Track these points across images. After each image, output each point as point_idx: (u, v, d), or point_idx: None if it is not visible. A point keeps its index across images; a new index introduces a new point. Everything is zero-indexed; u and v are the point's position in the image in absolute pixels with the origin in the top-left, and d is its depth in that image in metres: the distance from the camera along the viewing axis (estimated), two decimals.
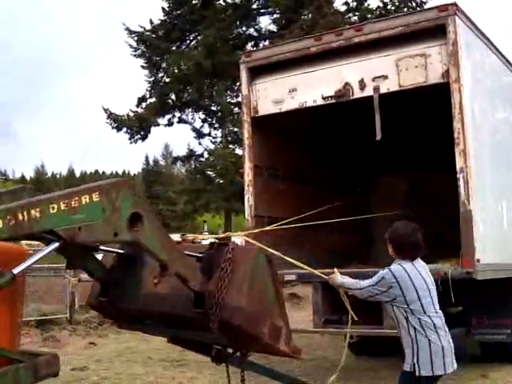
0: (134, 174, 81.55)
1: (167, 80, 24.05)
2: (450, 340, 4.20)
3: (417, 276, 4.10)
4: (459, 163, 6.78)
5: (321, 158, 9.99)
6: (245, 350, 4.21)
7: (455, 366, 4.24)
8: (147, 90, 24.23)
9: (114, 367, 9.00)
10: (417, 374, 4.08)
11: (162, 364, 9.16)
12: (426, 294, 4.11)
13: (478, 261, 6.72)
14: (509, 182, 8.62)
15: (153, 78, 24.18)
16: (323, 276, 4.77)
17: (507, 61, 8.90)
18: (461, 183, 6.76)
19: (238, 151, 22.45)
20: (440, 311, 4.20)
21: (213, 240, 4.10)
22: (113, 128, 23.69)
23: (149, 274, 3.81)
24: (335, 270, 4.67)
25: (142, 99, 24.26)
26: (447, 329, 4.20)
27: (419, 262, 4.20)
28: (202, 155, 24.97)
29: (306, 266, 5.15)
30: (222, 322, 3.61)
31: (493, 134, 8.03)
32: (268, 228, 7.30)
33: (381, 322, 7.02)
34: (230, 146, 24.05)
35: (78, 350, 10.85)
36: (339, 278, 4.55)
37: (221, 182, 23.72)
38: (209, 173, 24.49)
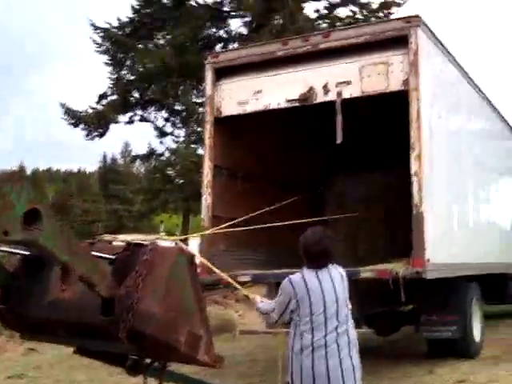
0: (90, 173, 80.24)
1: (131, 78, 23.86)
2: (346, 362, 3.81)
3: (316, 288, 3.84)
4: (414, 167, 7.08)
5: (281, 160, 10.18)
6: (161, 359, 3.92)
7: None
8: (109, 87, 23.96)
9: (54, 374, 8.68)
10: None
11: (106, 370, 8.57)
12: (321, 310, 3.80)
13: (428, 261, 7.00)
14: (461, 186, 9.02)
15: (116, 76, 23.93)
16: (244, 292, 4.79)
17: (464, 72, 9.32)
18: (414, 186, 7.06)
19: (200, 151, 22.43)
20: (344, 328, 3.86)
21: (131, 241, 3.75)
22: (69, 124, 23.28)
23: (57, 279, 3.44)
24: (257, 297, 4.44)
25: (102, 96, 23.91)
26: (347, 351, 3.83)
27: (329, 272, 3.94)
28: (162, 154, 24.78)
29: (230, 279, 5.25)
30: (132, 331, 3.29)
31: (448, 140, 8.39)
32: (216, 229, 7.37)
33: None
34: (193, 145, 23.98)
35: (16, 357, 10.42)
36: (258, 301, 4.33)
37: (180, 181, 23.61)
38: (168, 172, 24.33)
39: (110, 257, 3.53)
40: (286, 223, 7.99)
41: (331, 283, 3.88)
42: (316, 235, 3.98)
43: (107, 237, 4.13)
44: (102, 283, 3.24)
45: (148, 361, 3.91)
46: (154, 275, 3.40)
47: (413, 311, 8.76)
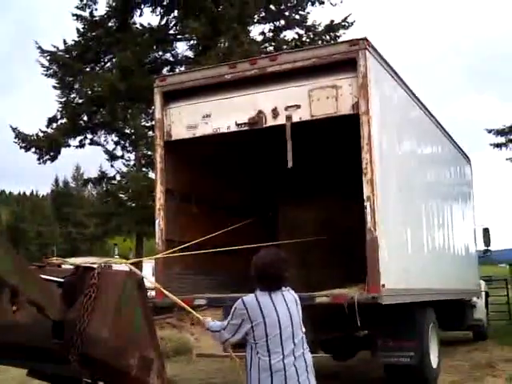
0: (43, 195, 79.19)
1: (80, 101, 23.59)
2: None
3: (271, 310, 3.79)
4: (366, 192, 6.98)
5: (234, 184, 10.08)
6: (113, 383, 3.81)
7: None
8: (58, 110, 23.61)
9: None
10: None
11: None
12: (277, 332, 3.74)
13: (383, 286, 6.90)
14: (415, 211, 8.99)
15: (65, 99, 23.61)
16: (195, 314, 4.70)
17: (415, 96, 9.31)
18: (367, 211, 6.95)
19: (151, 175, 22.22)
20: (301, 352, 3.83)
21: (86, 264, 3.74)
22: (21, 148, 22.89)
23: (7, 301, 3.36)
24: (208, 318, 4.40)
25: (52, 119, 23.60)
26: (305, 375, 3.81)
27: (283, 294, 3.90)
28: (114, 178, 24.55)
29: (181, 302, 5.20)
30: (82, 355, 3.30)
31: (399, 164, 8.32)
32: (168, 252, 7.29)
33: None
34: (144, 169, 23.79)
35: None
36: (209, 321, 4.29)
37: (133, 205, 23.39)
38: (120, 195, 24.09)
39: (59, 280, 3.51)
40: (239, 247, 7.90)
41: (285, 306, 3.84)
42: (270, 257, 3.94)
43: (57, 260, 4.05)
44: (50, 306, 3.23)
45: None
46: (103, 299, 3.39)
47: (369, 336, 8.66)
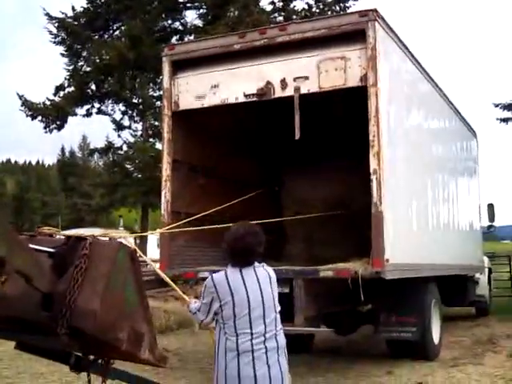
0: (49, 165, 79.30)
1: (87, 69, 23.43)
2: (274, 369, 3.56)
3: (240, 288, 3.60)
4: (373, 165, 6.95)
5: (242, 155, 10.06)
6: (103, 357, 3.78)
7: None
8: (66, 78, 23.40)
9: (15, 365, 8.57)
10: None
11: None
12: (246, 311, 3.55)
13: (388, 261, 6.91)
14: (420, 185, 8.96)
15: (72, 67, 23.44)
16: (185, 298, 4.34)
17: (423, 69, 9.22)
18: (373, 184, 6.93)
19: (159, 145, 22.14)
20: (273, 333, 3.62)
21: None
22: (27, 116, 22.76)
23: None
24: (192, 298, 4.24)
25: (59, 88, 23.40)
26: (275, 357, 3.59)
27: (255, 271, 3.69)
28: (120, 148, 24.37)
29: (174, 286, 5.05)
30: (71, 327, 3.20)
31: (407, 138, 8.29)
32: (172, 226, 7.25)
33: (291, 318, 7.11)
34: (151, 139, 23.68)
35: None
36: (192, 302, 4.06)
37: (139, 176, 23.36)
38: (127, 166, 24.04)
39: (49, 250, 3.40)
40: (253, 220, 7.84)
41: (257, 283, 3.64)
42: (240, 231, 3.73)
43: (49, 229, 3.87)
44: (39, 277, 3.12)
45: (91, 357, 3.78)
46: (94, 270, 3.30)
47: (372, 311, 8.68)
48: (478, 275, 13.47)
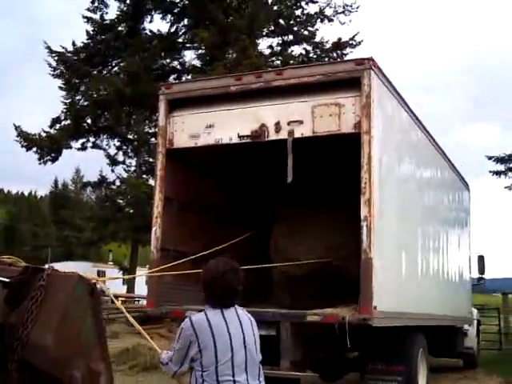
0: (41, 196, 79.14)
1: (84, 103, 23.64)
2: None
3: (222, 330, 3.28)
4: (363, 212, 6.96)
5: (234, 195, 10.07)
6: None
7: None
8: (63, 111, 23.71)
9: None
10: None
11: None
12: (228, 356, 3.23)
13: (375, 308, 6.84)
14: (410, 234, 8.95)
15: (70, 100, 23.69)
16: (157, 350, 4.03)
17: (416, 118, 9.30)
18: (364, 231, 6.92)
19: (151, 182, 22.23)
20: (258, 378, 3.34)
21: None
22: (22, 146, 22.95)
23: None
24: (163, 351, 3.78)
25: (56, 120, 23.70)
26: None
27: (237, 313, 3.41)
28: (113, 183, 24.56)
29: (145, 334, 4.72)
30: (22, 362, 3.05)
31: (398, 186, 8.31)
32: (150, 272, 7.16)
33: (277, 361, 7.02)
34: (144, 176, 23.83)
35: None
36: (164, 352, 3.72)
37: (131, 211, 23.37)
38: (119, 201, 24.09)
39: (4, 280, 3.24)
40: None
41: (239, 326, 3.33)
42: (219, 268, 3.39)
43: (9, 258, 3.70)
44: None
45: None
46: (50, 303, 3.14)
47: (359, 358, 8.60)
48: (466, 327, 13.37)
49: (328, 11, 23.63)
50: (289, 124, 7.53)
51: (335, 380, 9.40)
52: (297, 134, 7.47)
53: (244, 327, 3.37)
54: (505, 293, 20.82)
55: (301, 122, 7.47)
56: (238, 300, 3.46)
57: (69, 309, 3.21)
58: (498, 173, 24.90)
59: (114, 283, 28.80)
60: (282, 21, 23.52)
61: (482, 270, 15.06)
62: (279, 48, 23.56)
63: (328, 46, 23.06)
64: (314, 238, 9.29)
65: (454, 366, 13.85)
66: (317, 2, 23.81)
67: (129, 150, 24.43)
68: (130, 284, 24.12)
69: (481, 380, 11.93)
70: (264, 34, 23.35)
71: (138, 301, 20.17)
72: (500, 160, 24.65)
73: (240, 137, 7.88)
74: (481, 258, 15.09)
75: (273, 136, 7.66)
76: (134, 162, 24.55)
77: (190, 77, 22.57)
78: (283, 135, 7.55)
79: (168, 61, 24.16)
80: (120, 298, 20.84)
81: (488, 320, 18.76)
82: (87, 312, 3.33)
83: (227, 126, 7.97)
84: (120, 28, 23.49)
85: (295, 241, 9.46)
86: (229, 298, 3.40)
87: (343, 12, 23.67)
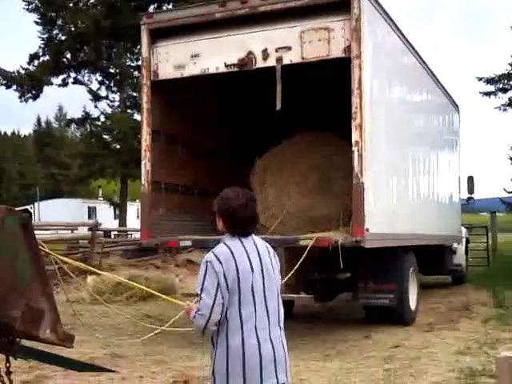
0: (25, 135, 78.26)
1: (62, 38, 23.04)
2: (277, 346, 3.17)
3: (243, 259, 3.20)
4: (355, 137, 6.97)
5: (222, 127, 10.02)
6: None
7: (278, 379, 3.13)
8: (40, 47, 23.10)
9: None
10: None
11: None
12: (249, 282, 3.16)
13: (367, 230, 6.99)
14: (401, 157, 9.02)
15: (47, 35, 23.06)
16: (181, 303, 3.82)
17: (408, 42, 9.16)
18: (355, 156, 6.95)
19: (137, 116, 22.04)
20: (277, 307, 3.27)
21: None
22: (1, 85, 22.56)
23: None
24: (192, 305, 3.35)
25: (34, 56, 23.12)
26: (278, 332, 3.21)
27: (253, 240, 3.33)
28: (98, 119, 24.24)
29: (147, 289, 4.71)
30: None
31: (389, 111, 8.29)
32: None
33: None
34: (129, 110, 23.53)
35: None
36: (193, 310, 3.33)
37: (118, 147, 23.22)
38: (105, 137, 23.87)
39: None
40: None
41: (257, 255, 3.26)
42: (240, 196, 3.30)
43: None
44: None
45: None
46: None
47: (350, 279, 8.85)
48: (455, 245, 13.72)
49: None
50: (277, 51, 7.41)
51: (328, 301, 9.67)
52: (285, 61, 7.37)
53: (261, 255, 3.29)
54: (492, 211, 21.26)
55: (289, 49, 7.35)
56: (255, 228, 3.39)
57: None
58: (488, 94, 24.79)
59: (106, 218, 29.03)
60: None
61: (471, 190, 15.33)
62: None
63: None
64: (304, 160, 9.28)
65: (443, 283, 14.26)
66: None
67: (112, 85, 24.01)
68: (122, 218, 24.26)
69: (469, 295, 12.27)
70: None
71: (131, 234, 20.37)
72: (490, 81, 24.48)
73: (227, 66, 7.76)
74: (470, 179, 15.33)
75: (261, 64, 7.55)
76: (117, 96, 24.20)
77: (170, 6, 21.97)
78: (271, 62, 7.45)
79: None
80: (113, 232, 20.98)
81: (476, 238, 19.21)
82: (21, 246, 3.06)
83: (213, 54, 7.83)
84: None
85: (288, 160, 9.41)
86: (250, 227, 3.32)
87: None
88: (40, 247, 3.30)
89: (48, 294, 3.18)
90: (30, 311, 3.04)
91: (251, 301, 3.15)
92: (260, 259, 3.26)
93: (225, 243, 3.26)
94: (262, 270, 3.24)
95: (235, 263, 3.15)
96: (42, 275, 3.15)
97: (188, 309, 3.31)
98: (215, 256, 3.17)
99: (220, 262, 3.14)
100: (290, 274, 7.23)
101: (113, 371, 4.61)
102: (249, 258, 3.21)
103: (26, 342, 3.45)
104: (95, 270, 4.68)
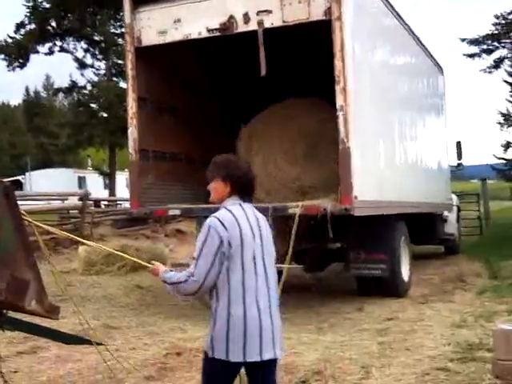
0: (14, 106, 77.57)
1: (47, 6, 22.76)
2: (274, 315, 3.14)
3: (244, 222, 3.13)
4: (339, 101, 6.84)
5: (208, 93, 9.87)
6: None
7: (275, 353, 3.09)
8: (26, 15, 22.89)
9: None
10: (209, 355, 3.04)
11: None
12: (252, 248, 3.11)
13: (356, 197, 6.87)
14: (387, 122, 8.86)
15: (32, 3, 22.82)
16: (147, 264, 3.65)
17: (389, 3, 8.97)
18: (340, 121, 6.83)
19: (123, 84, 21.81)
20: (272, 272, 3.21)
21: None
22: None
23: None
24: (158, 264, 3.45)
25: (20, 25, 22.95)
26: (276, 300, 3.19)
27: (252, 208, 3.29)
28: (84, 87, 24.10)
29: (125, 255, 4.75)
30: None
31: (373, 74, 8.12)
32: None
33: None
34: (114, 78, 23.34)
35: None
36: (162, 271, 3.37)
37: (105, 115, 23.09)
38: (92, 106, 23.73)
39: None
40: None
41: (256, 220, 3.21)
42: (245, 164, 3.34)
43: None
44: None
45: None
46: None
47: (341, 249, 8.61)
48: (446, 213, 13.41)
49: None
50: (258, 14, 7.26)
51: (319, 271, 9.51)
52: (266, 25, 7.22)
53: (260, 222, 3.24)
54: (483, 179, 20.93)
55: (270, 12, 7.20)
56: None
57: None
58: (472, 55, 24.17)
59: (95, 188, 28.90)
60: None
61: (459, 155, 14.98)
62: None
63: None
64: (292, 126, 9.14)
65: (436, 253, 13.98)
66: None
67: (97, 53, 23.82)
68: (112, 188, 24.21)
69: (463, 265, 11.95)
70: None
71: (121, 204, 20.28)
72: (473, 42, 23.79)
73: (209, 30, 7.63)
74: (458, 144, 14.99)
75: (242, 28, 7.41)
76: (103, 64, 24.01)
77: None
78: (253, 26, 7.30)
79: None
80: (103, 202, 20.88)
81: (468, 206, 18.74)
82: (4, 215, 2.97)
83: (195, 19, 7.68)
84: None
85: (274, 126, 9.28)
86: (252, 193, 3.31)
87: None
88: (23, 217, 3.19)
89: (32, 263, 3.09)
90: (15, 282, 2.97)
91: (253, 268, 3.09)
92: (259, 225, 3.21)
93: (226, 208, 3.17)
94: (261, 236, 3.19)
95: (239, 229, 3.08)
96: (25, 245, 3.07)
97: (154, 269, 3.31)
98: (219, 221, 3.07)
99: (225, 228, 3.05)
100: (291, 245, 7.09)
101: (102, 344, 4.54)
102: (250, 223, 3.15)
103: (13, 314, 3.40)
104: (82, 239, 4.55)
